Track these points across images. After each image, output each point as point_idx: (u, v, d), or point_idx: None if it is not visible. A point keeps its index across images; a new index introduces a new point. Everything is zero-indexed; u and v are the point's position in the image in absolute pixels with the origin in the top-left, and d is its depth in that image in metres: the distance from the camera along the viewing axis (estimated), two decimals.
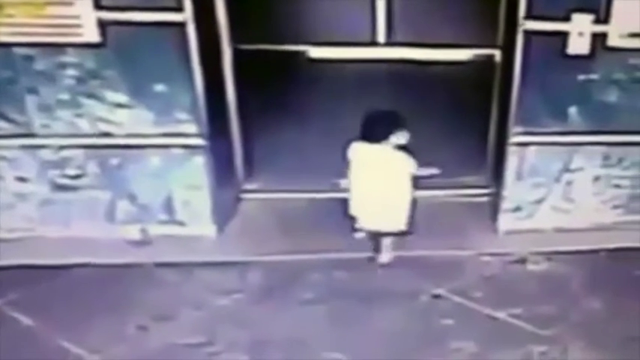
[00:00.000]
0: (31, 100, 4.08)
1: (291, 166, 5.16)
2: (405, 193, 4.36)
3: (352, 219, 4.56)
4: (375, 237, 4.54)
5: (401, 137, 4.27)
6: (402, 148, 4.31)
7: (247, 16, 4.68)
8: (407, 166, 4.29)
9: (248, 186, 5.21)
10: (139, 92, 4.13)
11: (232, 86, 4.83)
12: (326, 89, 4.94)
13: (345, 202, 4.74)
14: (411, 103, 4.75)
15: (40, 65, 4.00)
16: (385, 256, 4.54)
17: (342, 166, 4.55)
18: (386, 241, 4.55)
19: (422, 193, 4.99)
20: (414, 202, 4.44)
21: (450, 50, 4.99)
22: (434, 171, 4.45)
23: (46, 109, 4.12)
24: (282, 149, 5.13)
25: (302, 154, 5.08)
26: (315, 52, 4.90)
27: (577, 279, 4.23)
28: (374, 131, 4.24)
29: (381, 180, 4.31)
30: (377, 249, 4.55)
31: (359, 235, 4.67)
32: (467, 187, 5.31)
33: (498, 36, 4.82)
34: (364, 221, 4.46)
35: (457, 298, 3.97)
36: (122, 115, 4.18)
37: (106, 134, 4.22)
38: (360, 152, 4.31)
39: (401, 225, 4.41)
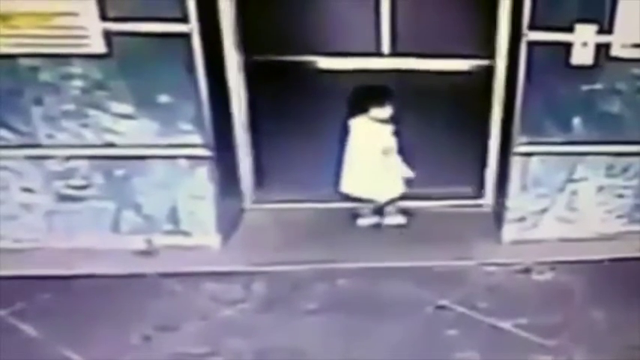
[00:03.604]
0: (36, 111, 4.10)
1: (297, 175, 5.17)
2: (388, 164, 4.70)
3: (355, 208, 4.93)
4: (379, 208, 4.92)
5: (382, 111, 4.46)
6: (389, 120, 4.67)
7: (255, 27, 4.70)
8: (385, 139, 4.65)
9: (253, 196, 5.22)
10: (144, 103, 4.15)
11: (238, 97, 4.86)
12: (329, 99, 4.94)
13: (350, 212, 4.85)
14: (412, 113, 4.78)
15: (45, 76, 4.02)
16: (393, 219, 4.88)
17: (332, 175, 4.68)
18: (389, 209, 4.84)
19: (425, 204, 5.07)
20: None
21: (449, 61, 5.01)
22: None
23: (51, 119, 4.13)
24: (286, 159, 5.12)
25: (307, 164, 5.09)
26: (324, 63, 4.92)
27: (581, 289, 4.22)
28: (354, 104, 4.51)
29: (365, 151, 4.65)
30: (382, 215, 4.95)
31: (362, 222, 4.79)
32: (463, 197, 5.34)
33: (496, 46, 4.83)
34: (361, 192, 4.79)
35: (461, 309, 3.96)
36: (127, 126, 4.19)
37: (111, 145, 4.23)
38: (353, 126, 4.68)
39: (395, 193, 4.82)
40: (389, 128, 4.67)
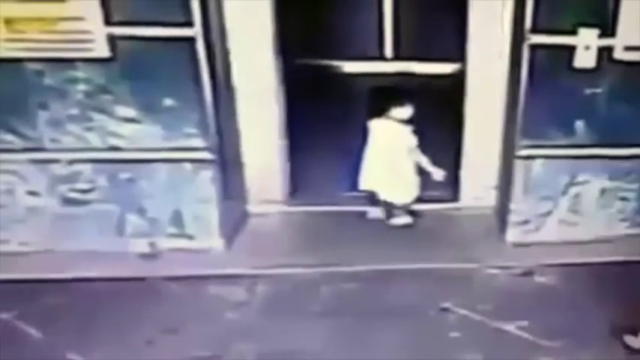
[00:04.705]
0: (41, 115, 4.11)
1: (302, 178, 5.19)
2: (408, 166, 4.74)
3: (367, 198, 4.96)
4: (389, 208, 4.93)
5: (402, 111, 4.49)
6: (407, 122, 4.67)
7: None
8: (407, 139, 4.66)
9: (257, 199, 5.22)
10: (148, 107, 4.16)
11: (278, 101, 4.89)
12: (333, 101, 4.98)
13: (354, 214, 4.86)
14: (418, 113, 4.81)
15: (50, 80, 4.04)
16: (400, 219, 4.92)
17: (350, 178, 4.66)
18: (398, 211, 4.91)
19: (428, 206, 5.07)
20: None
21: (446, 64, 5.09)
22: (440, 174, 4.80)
23: (56, 123, 4.15)
24: (291, 161, 5.15)
25: (312, 167, 5.11)
26: (349, 67, 5.00)
27: (584, 291, 4.21)
28: (375, 105, 4.52)
29: (385, 152, 4.69)
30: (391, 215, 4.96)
31: (372, 214, 4.83)
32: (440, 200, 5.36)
33: (466, 50, 4.86)
34: (379, 192, 4.83)
35: (464, 311, 3.97)
36: (131, 130, 4.21)
37: (116, 148, 4.24)
38: (372, 127, 4.70)
39: (411, 197, 4.85)
40: (409, 128, 4.69)
